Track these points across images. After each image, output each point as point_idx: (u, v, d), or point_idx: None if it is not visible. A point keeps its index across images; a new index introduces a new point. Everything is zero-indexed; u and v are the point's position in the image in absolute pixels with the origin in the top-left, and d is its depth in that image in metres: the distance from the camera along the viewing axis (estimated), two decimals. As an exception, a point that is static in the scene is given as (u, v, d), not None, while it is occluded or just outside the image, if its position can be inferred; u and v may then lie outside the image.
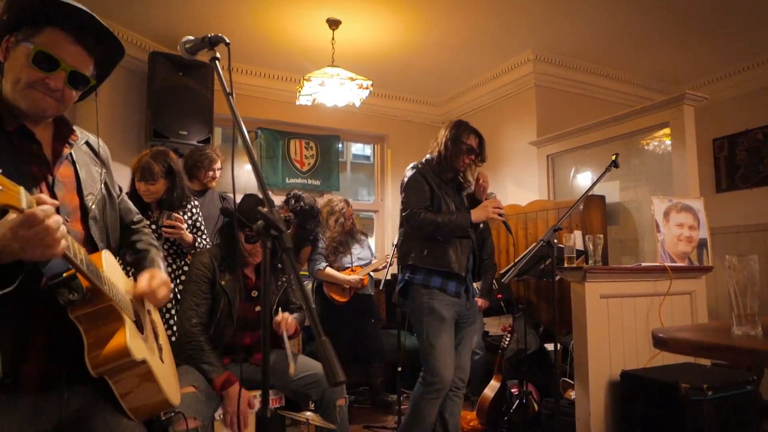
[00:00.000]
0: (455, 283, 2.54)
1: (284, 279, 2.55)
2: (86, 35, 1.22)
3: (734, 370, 2.64)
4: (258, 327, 2.40)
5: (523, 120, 4.91)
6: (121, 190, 1.50)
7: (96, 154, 1.40)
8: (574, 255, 2.83)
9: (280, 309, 2.48)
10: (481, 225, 2.64)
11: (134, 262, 1.49)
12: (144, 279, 1.37)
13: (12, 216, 0.93)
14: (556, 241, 2.64)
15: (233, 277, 2.34)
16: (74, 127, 1.34)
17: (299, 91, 4.00)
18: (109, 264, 1.24)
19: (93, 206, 1.30)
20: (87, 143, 1.38)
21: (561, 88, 4.90)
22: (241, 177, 5.03)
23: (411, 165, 2.68)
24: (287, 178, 5.19)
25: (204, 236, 2.82)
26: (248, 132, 1.21)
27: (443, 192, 2.60)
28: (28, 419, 1.15)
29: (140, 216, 1.58)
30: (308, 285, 4.25)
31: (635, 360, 2.75)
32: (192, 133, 4.14)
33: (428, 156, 2.69)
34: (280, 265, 2.53)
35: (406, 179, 2.64)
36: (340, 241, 3.95)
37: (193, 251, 2.70)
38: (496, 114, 5.25)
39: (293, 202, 3.76)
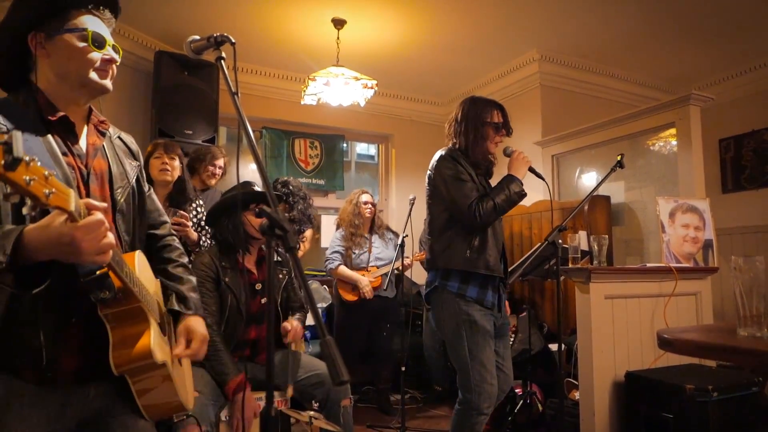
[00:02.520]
0: (491, 292, 2.30)
1: (285, 272, 2.57)
2: (106, 13, 1.29)
3: (739, 372, 2.63)
4: (262, 320, 2.41)
5: (528, 120, 4.90)
6: (149, 188, 1.51)
7: (130, 149, 1.43)
8: (579, 255, 2.82)
9: (289, 314, 2.51)
10: None
11: (165, 290, 1.46)
12: (182, 340, 1.38)
13: (60, 218, 0.97)
14: (560, 241, 2.62)
15: (235, 271, 2.36)
16: (104, 119, 1.37)
17: (304, 91, 4.00)
18: (141, 265, 1.27)
19: (121, 200, 1.32)
20: (120, 138, 1.42)
21: (566, 88, 4.89)
22: (246, 176, 5.04)
23: (439, 154, 2.37)
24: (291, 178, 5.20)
25: (209, 235, 2.83)
26: (253, 131, 1.21)
27: (480, 181, 2.34)
28: (55, 416, 1.17)
29: (166, 218, 1.57)
30: (313, 285, 4.26)
31: (640, 361, 2.74)
32: (197, 132, 4.16)
33: (451, 145, 2.40)
34: (279, 259, 2.55)
35: (444, 170, 2.30)
36: (357, 225, 3.97)
37: (197, 249, 2.71)
38: (500, 114, 5.24)
39: (280, 187, 3.79)
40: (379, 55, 4.63)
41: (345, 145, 5.69)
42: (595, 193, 2.80)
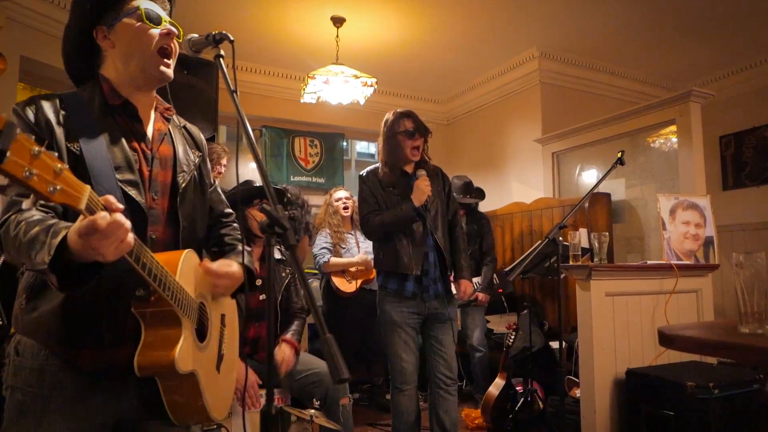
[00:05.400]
0: (412, 283, 2.57)
1: (288, 270, 2.56)
2: None
3: (741, 369, 2.63)
4: (261, 317, 2.41)
5: (528, 117, 4.90)
6: (214, 181, 1.52)
7: (194, 139, 1.45)
8: (580, 253, 2.81)
9: (287, 320, 2.51)
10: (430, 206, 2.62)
11: (219, 253, 1.46)
12: (215, 262, 1.35)
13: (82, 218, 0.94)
14: (561, 238, 2.62)
15: None
16: (169, 105, 1.41)
17: (303, 89, 4.00)
18: (185, 267, 1.20)
19: (183, 184, 1.32)
20: (185, 127, 1.44)
21: (566, 86, 4.88)
22: (246, 175, 5.02)
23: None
24: (292, 176, 5.20)
25: (228, 208, 2.85)
26: (252, 130, 1.20)
27: (388, 194, 2.62)
28: (94, 412, 1.17)
29: (231, 210, 1.58)
30: (313, 283, 4.26)
31: (641, 358, 2.74)
32: (197, 131, 4.15)
33: (378, 164, 2.71)
34: (283, 257, 2.55)
35: (359, 190, 2.72)
36: (335, 224, 3.94)
37: None
38: (501, 111, 5.24)
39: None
40: (379, 53, 4.63)
41: (345, 143, 5.69)
42: (595, 191, 2.80)
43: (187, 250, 1.23)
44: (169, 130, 1.36)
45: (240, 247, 1.46)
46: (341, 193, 4.03)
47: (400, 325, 2.57)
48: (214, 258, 1.43)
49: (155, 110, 1.36)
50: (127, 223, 0.96)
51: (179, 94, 4.35)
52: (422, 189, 2.54)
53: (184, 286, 1.18)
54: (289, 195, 3.77)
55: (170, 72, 1.30)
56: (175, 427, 1.28)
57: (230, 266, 1.36)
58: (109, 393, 1.19)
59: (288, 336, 2.47)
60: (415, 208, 2.53)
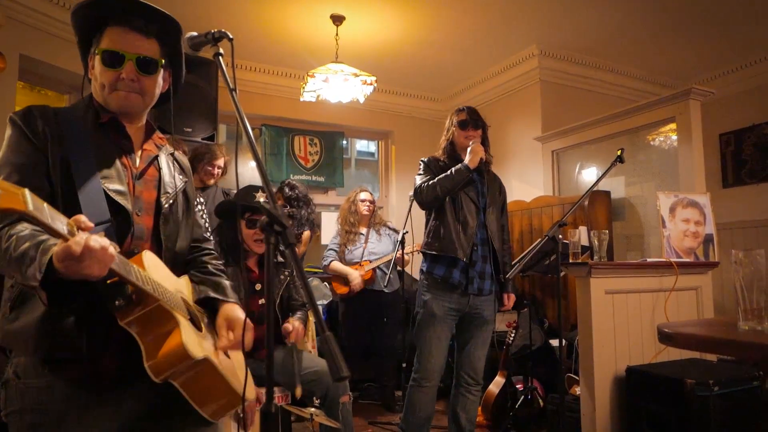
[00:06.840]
0: (458, 272, 2.54)
1: (287, 272, 2.56)
2: (137, 20, 1.28)
3: (740, 366, 2.63)
4: (262, 321, 2.41)
5: (528, 115, 4.89)
6: (199, 207, 1.53)
7: (181, 167, 1.46)
8: (579, 250, 2.81)
9: (289, 315, 2.51)
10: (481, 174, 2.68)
11: (200, 284, 1.43)
12: (223, 331, 1.33)
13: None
14: (561, 236, 2.62)
15: (234, 270, 2.35)
16: (163, 136, 1.43)
17: (303, 88, 3.99)
18: (151, 264, 1.19)
19: (166, 206, 1.33)
20: (172, 155, 1.45)
21: (566, 84, 4.87)
22: (245, 174, 5.04)
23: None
24: (291, 175, 5.19)
25: (208, 232, 2.84)
26: (252, 129, 1.20)
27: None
28: (117, 412, 1.18)
29: (210, 236, 1.58)
30: (313, 282, 4.28)
31: (640, 356, 2.74)
32: (196, 130, 4.13)
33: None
34: (282, 259, 2.55)
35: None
36: (352, 222, 4.05)
37: None
38: (500, 109, 5.23)
39: (287, 190, 3.82)
40: (378, 51, 4.62)
41: (345, 142, 5.69)
42: (595, 188, 2.80)
43: (144, 251, 1.21)
44: (157, 155, 1.37)
45: (224, 281, 1.46)
46: (365, 195, 4.13)
47: (439, 321, 2.56)
48: (198, 282, 1.41)
49: (147, 135, 1.38)
50: (103, 242, 0.96)
51: (179, 93, 4.33)
52: (476, 151, 2.55)
53: (158, 281, 1.17)
54: (297, 191, 3.82)
55: (131, 104, 1.28)
56: (202, 428, 1.29)
57: (237, 317, 1.35)
58: (124, 396, 1.20)
59: (296, 317, 2.51)
60: (470, 169, 2.53)
